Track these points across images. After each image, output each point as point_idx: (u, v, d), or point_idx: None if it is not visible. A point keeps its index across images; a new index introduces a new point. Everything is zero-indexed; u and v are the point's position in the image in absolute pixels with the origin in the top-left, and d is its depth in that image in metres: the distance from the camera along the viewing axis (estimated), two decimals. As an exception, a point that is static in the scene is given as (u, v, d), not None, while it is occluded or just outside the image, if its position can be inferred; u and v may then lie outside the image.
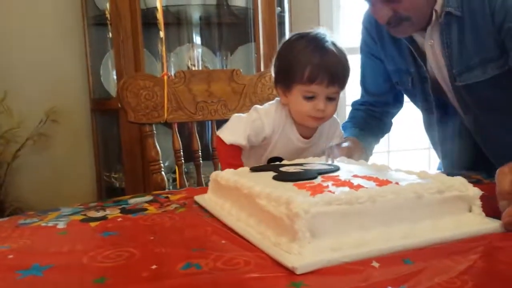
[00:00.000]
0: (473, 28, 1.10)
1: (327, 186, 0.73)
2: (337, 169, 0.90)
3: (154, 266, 0.62)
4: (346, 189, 0.70)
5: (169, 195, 1.06)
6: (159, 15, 1.82)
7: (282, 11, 2.36)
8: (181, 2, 2.15)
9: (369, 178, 0.79)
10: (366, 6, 1.17)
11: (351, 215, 0.66)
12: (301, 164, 0.97)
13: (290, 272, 0.59)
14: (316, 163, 0.98)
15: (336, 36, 1.11)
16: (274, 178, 0.83)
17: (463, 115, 1.26)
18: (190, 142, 1.50)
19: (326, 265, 0.59)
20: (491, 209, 0.75)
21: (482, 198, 0.75)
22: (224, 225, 0.80)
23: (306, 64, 1.05)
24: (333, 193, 0.68)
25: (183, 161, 1.48)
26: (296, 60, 1.07)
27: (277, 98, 1.20)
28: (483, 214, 0.74)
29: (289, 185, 0.76)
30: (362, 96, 1.45)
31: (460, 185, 0.73)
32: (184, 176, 1.51)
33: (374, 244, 0.64)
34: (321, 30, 1.11)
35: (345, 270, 0.59)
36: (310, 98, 1.08)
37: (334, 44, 1.09)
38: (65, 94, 2.23)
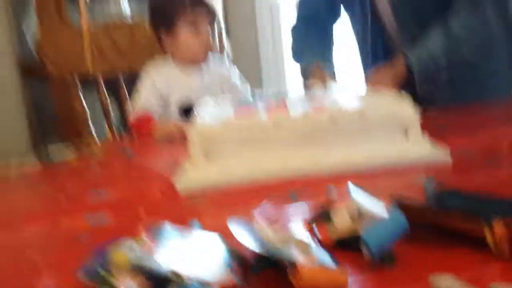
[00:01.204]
0: None
1: (258, 111, 0.72)
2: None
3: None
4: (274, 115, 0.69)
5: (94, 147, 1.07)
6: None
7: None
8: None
9: (316, 107, 0.73)
10: None
11: (252, 139, 0.65)
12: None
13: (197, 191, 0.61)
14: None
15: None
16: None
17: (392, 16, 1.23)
18: (120, 100, 1.47)
19: (208, 187, 0.61)
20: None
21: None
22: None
23: None
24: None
25: (112, 116, 1.46)
26: None
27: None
28: (425, 140, 0.66)
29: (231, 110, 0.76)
30: (297, 17, 1.41)
31: (391, 105, 0.67)
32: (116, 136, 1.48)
33: (268, 167, 0.64)
34: None
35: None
36: (195, 29, 1.18)
37: None
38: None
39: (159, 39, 1.23)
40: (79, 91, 1.38)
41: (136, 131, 1.20)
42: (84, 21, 1.33)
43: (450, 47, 1.04)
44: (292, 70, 2.60)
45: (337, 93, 0.93)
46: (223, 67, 1.33)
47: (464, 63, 1.08)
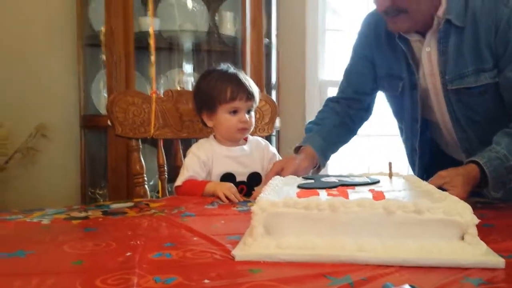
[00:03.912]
0: (473, 39, 1.16)
1: (319, 194, 0.76)
2: (372, 182, 0.95)
3: (128, 253, 0.68)
4: (330, 198, 0.72)
5: (149, 203, 1.12)
6: (151, 40, 1.91)
7: (270, 42, 2.47)
8: (173, 28, 2.25)
9: (376, 194, 0.77)
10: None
11: (309, 220, 0.69)
12: (348, 176, 1.05)
13: (254, 262, 0.65)
14: (365, 177, 1.03)
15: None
16: (299, 186, 0.90)
17: (450, 124, 1.29)
18: (175, 161, 1.56)
19: (265, 259, 0.65)
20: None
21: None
22: (200, 226, 0.87)
23: (227, 86, 1.30)
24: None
25: (166, 176, 1.54)
26: (217, 85, 1.32)
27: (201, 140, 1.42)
28: (481, 244, 0.67)
29: (295, 191, 0.82)
30: (341, 92, 1.50)
31: (450, 209, 0.67)
32: (167, 193, 1.56)
33: (322, 250, 0.66)
34: (223, 65, 1.38)
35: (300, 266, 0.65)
36: (234, 113, 1.32)
37: (238, 71, 1.36)
38: (56, 110, 2.28)
39: (201, 117, 1.38)
40: (140, 153, 1.46)
41: (181, 194, 1.29)
42: (153, 89, 1.44)
43: None
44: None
45: (403, 184, 0.97)
46: (260, 139, 1.47)
47: None
